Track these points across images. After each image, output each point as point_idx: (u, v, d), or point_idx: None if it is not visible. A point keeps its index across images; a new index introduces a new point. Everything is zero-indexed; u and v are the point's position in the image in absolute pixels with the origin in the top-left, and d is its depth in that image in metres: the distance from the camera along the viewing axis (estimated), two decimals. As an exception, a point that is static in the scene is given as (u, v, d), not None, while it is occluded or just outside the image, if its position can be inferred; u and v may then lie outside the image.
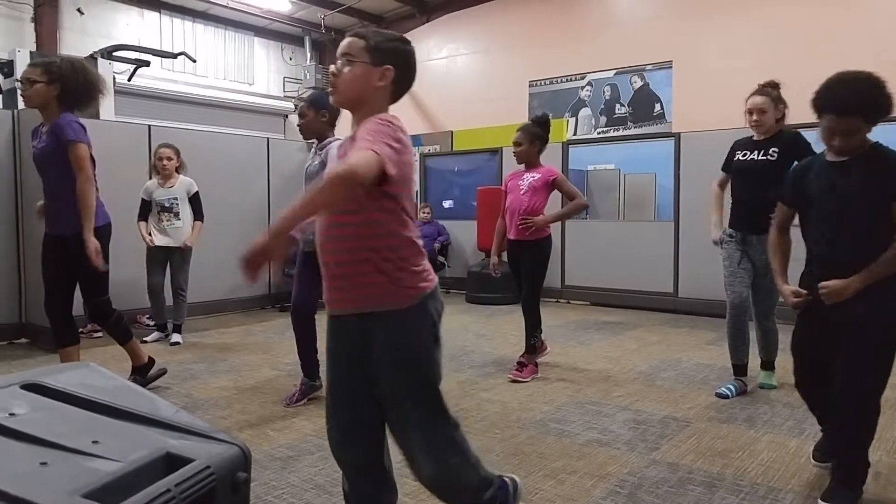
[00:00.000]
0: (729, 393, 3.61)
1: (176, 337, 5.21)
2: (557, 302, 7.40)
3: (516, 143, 4.12)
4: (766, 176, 3.40)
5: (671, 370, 4.29)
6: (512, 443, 2.95)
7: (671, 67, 10.67)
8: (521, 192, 4.09)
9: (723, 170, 3.79)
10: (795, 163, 3.08)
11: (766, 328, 3.71)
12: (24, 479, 0.79)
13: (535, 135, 4.12)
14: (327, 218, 1.61)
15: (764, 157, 3.47)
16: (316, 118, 3.44)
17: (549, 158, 7.45)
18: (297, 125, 3.59)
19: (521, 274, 4.18)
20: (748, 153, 3.55)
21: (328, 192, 1.44)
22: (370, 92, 1.67)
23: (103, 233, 3.38)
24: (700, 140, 6.44)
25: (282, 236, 1.44)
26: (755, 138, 3.56)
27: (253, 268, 1.43)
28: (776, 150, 3.44)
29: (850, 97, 2.08)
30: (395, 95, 1.75)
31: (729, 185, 3.74)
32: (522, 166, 4.19)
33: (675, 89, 10.61)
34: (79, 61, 3.50)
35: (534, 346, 4.09)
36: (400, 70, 1.69)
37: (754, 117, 3.45)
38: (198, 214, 5.32)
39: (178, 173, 5.30)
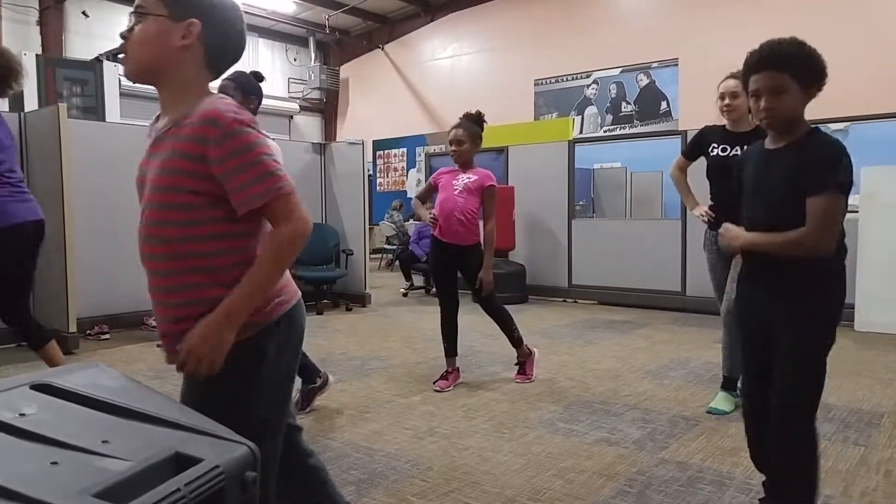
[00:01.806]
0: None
1: None
2: (564, 301, 7.39)
3: (459, 142, 3.87)
4: None
5: (680, 369, 4.27)
6: (520, 442, 2.94)
7: (677, 65, 10.65)
8: (455, 192, 3.83)
9: (685, 156, 3.56)
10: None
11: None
12: (35, 479, 0.79)
13: (477, 134, 3.93)
14: None
15: None
16: (244, 103, 3.02)
17: (557, 157, 7.49)
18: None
19: (455, 276, 3.95)
20: (728, 148, 3.29)
21: (276, 271, 1.34)
22: (170, 56, 1.34)
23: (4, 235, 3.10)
24: (707, 137, 6.40)
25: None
26: (730, 129, 3.31)
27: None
28: None
29: (775, 49, 1.84)
30: (214, 64, 1.40)
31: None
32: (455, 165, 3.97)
33: (682, 87, 10.59)
34: None
35: (518, 338, 3.95)
36: (211, 25, 1.35)
37: (726, 101, 3.23)
38: None
39: None
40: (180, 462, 0.96)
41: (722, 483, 2.48)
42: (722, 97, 3.28)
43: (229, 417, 1.11)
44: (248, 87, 3.14)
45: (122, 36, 1.38)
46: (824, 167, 1.80)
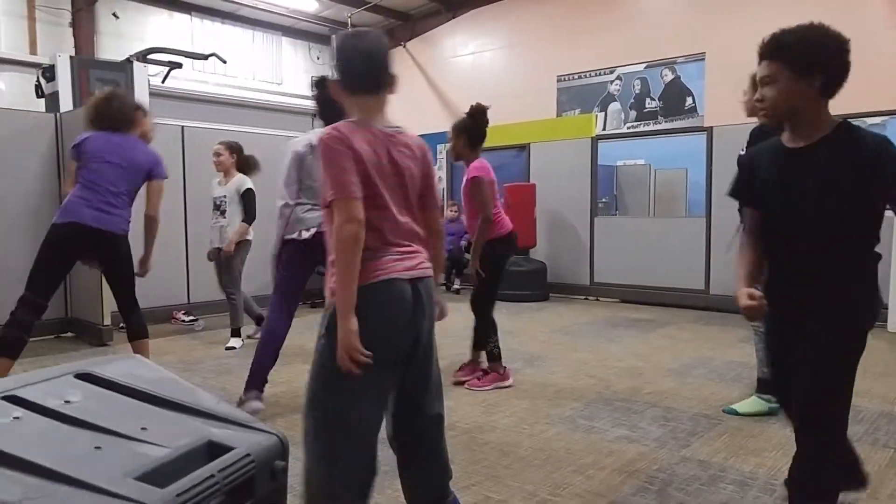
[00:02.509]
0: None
1: (232, 342, 4.97)
2: (586, 299, 7.37)
3: (449, 140, 3.90)
4: None
5: (702, 367, 4.25)
6: (540, 438, 2.97)
7: (703, 60, 10.52)
8: (462, 189, 3.84)
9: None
10: None
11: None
12: (81, 462, 0.84)
13: (463, 127, 3.86)
14: None
15: None
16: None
17: (579, 154, 7.47)
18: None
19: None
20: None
21: (342, 262, 1.56)
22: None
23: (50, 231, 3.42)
24: (733, 134, 6.34)
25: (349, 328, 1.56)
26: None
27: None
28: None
29: (773, 38, 1.75)
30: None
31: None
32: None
33: (708, 82, 10.46)
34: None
35: (492, 353, 3.81)
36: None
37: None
38: (245, 214, 4.93)
39: (239, 171, 5.04)
40: (213, 450, 1.01)
41: (744, 483, 2.47)
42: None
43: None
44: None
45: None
46: (888, 159, 1.64)
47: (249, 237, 5.01)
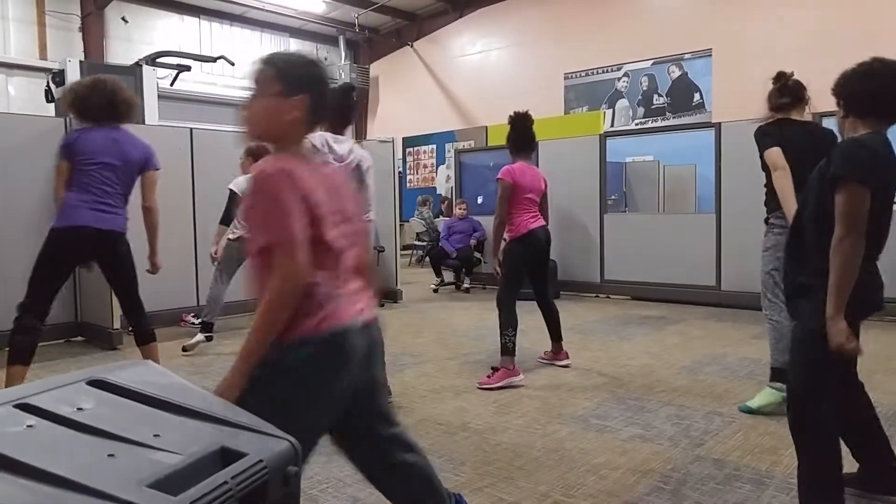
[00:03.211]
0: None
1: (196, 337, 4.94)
2: (596, 297, 7.34)
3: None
4: None
5: (715, 365, 4.23)
6: (553, 438, 2.95)
7: (710, 55, 10.46)
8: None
9: None
10: None
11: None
12: (95, 470, 0.83)
13: (507, 137, 4.20)
14: None
15: None
16: None
17: (588, 151, 7.43)
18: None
19: (532, 270, 4.21)
20: None
21: (270, 320, 1.46)
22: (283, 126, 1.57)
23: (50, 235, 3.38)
24: (742, 130, 6.29)
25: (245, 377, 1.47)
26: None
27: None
28: None
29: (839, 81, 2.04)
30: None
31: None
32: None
33: (716, 77, 10.40)
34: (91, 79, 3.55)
35: (506, 346, 3.85)
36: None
37: None
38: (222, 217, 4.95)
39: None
40: (226, 456, 1.01)
41: (760, 482, 2.45)
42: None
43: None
44: None
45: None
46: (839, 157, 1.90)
47: (231, 236, 4.96)
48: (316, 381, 1.50)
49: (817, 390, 1.97)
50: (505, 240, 4.05)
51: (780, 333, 3.16)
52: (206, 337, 4.91)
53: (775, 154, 3.06)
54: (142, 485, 0.83)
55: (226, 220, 4.94)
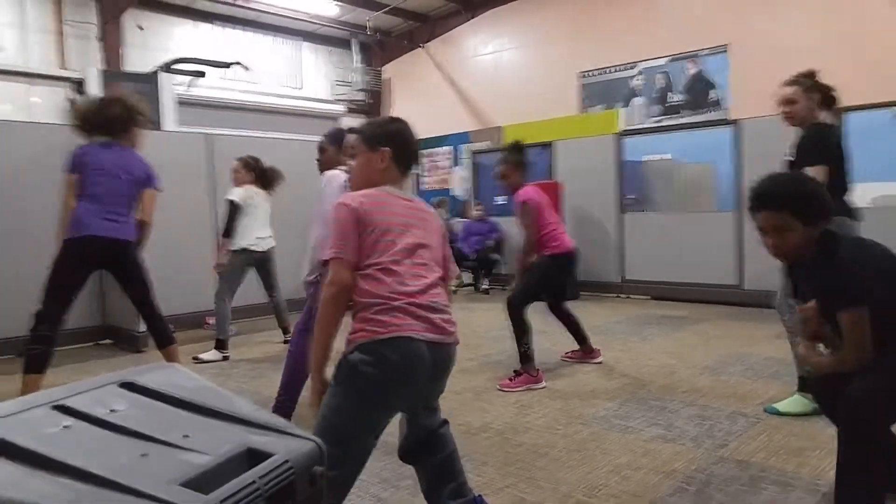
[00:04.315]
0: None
1: (209, 354, 4.87)
2: (617, 297, 7.30)
3: (503, 176, 4.10)
4: None
5: (738, 364, 4.18)
6: (574, 439, 2.94)
7: (727, 51, 10.36)
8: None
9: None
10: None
11: None
12: (129, 469, 0.85)
13: (517, 162, 4.09)
14: None
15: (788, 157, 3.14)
16: (336, 154, 3.41)
17: (604, 150, 7.40)
18: (317, 160, 3.56)
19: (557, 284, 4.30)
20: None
21: (324, 317, 1.79)
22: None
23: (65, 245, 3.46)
24: (761, 126, 6.24)
25: (319, 374, 1.80)
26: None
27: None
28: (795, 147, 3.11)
29: (775, 190, 1.96)
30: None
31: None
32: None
33: (733, 74, 10.30)
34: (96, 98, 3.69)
35: (525, 354, 3.83)
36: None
37: (784, 108, 3.15)
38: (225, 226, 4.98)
39: (257, 184, 5.11)
40: (253, 456, 1.02)
41: (787, 483, 2.41)
42: (781, 104, 3.20)
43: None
44: (334, 140, 3.50)
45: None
46: (835, 287, 1.91)
47: (234, 247, 4.93)
48: (380, 382, 1.71)
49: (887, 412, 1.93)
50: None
51: None
52: (222, 357, 4.80)
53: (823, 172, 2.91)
54: (174, 484, 0.85)
55: (228, 232, 4.93)
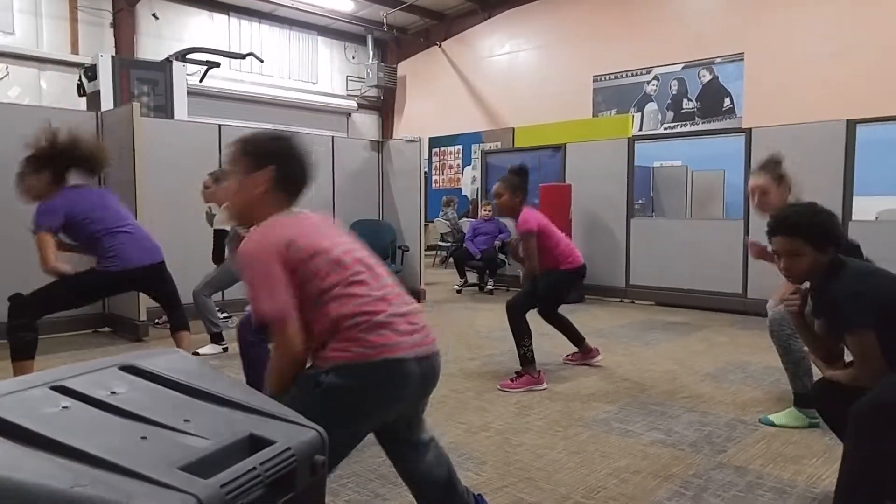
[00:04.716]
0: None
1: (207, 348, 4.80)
2: (621, 301, 7.28)
3: (498, 194, 4.00)
4: None
5: (739, 372, 4.17)
6: (575, 440, 2.94)
7: (742, 60, 10.32)
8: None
9: None
10: None
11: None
12: (128, 451, 0.85)
13: (516, 185, 3.98)
14: None
15: None
16: None
17: (615, 154, 7.38)
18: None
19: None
20: None
21: (277, 378, 1.61)
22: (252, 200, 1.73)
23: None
24: (773, 135, 6.21)
25: None
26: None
27: None
28: None
29: (789, 218, 2.14)
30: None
31: None
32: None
33: (747, 83, 10.25)
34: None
35: (525, 356, 3.82)
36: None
37: (756, 200, 3.20)
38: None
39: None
40: (254, 443, 1.03)
41: (783, 491, 2.41)
42: (752, 194, 3.22)
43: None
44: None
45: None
46: (840, 310, 2.02)
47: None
48: (365, 405, 1.59)
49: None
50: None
51: (797, 357, 3.12)
52: (222, 349, 4.74)
53: None
54: (173, 467, 0.85)
55: (219, 259, 4.94)
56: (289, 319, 1.55)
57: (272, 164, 1.69)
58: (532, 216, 3.98)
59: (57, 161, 3.41)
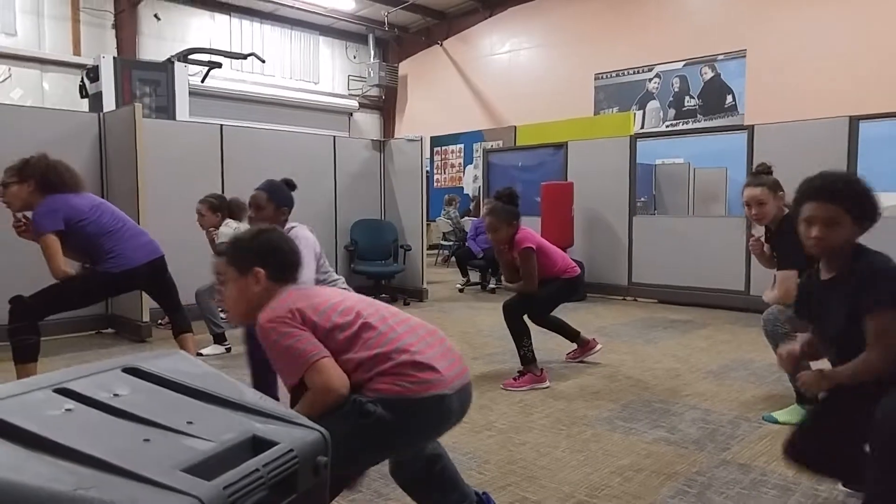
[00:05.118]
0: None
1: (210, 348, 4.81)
2: (624, 299, 7.28)
3: (493, 229, 3.97)
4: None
5: (742, 370, 4.16)
6: (578, 439, 2.94)
7: (744, 57, 10.29)
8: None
9: None
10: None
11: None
12: (131, 453, 0.86)
13: (509, 214, 3.95)
14: None
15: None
16: (276, 214, 3.30)
17: (617, 152, 7.37)
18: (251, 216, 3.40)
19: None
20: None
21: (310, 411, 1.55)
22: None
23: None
24: (775, 132, 6.20)
25: None
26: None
27: None
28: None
29: (831, 183, 1.93)
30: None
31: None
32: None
33: (749, 80, 10.23)
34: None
35: (526, 356, 3.85)
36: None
37: (753, 211, 3.19)
38: None
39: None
40: (257, 444, 1.03)
41: (787, 488, 2.41)
42: (748, 206, 3.21)
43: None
44: (279, 200, 3.36)
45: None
46: (871, 286, 1.83)
47: None
48: (408, 436, 1.69)
49: None
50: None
51: None
52: (225, 349, 4.76)
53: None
54: (176, 469, 0.85)
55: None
56: (325, 358, 1.60)
57: (257, 265, 1.77)
58: (529, 235, 3.99)
59: (42, 170, 3.41)
